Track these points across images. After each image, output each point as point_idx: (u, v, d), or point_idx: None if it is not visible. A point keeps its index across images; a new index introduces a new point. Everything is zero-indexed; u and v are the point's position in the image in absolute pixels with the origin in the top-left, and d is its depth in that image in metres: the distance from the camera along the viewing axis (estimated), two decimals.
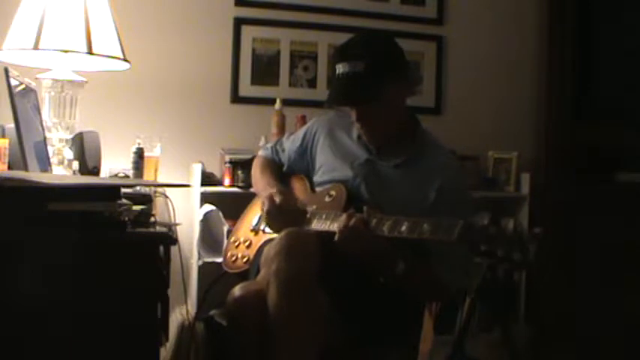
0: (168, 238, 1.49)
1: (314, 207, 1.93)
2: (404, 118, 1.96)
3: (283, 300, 1.65)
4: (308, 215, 1.91)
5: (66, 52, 2.13)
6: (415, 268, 1.74)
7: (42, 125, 2.05)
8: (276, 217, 1.93)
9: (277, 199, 1.92)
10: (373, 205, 1.78)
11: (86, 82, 2.27)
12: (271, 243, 1.81)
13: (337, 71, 1.88)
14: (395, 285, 1.76)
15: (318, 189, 2.03)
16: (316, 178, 2.06)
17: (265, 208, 1.95)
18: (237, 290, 1.79)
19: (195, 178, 2.86)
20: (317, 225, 1.86)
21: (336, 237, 1.71)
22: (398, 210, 1.74)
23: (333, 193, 1.94)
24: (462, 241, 1.53)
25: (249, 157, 2.81)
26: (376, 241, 1.68)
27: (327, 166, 2.04)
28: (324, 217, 1.85)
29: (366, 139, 1.96)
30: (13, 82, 1.75)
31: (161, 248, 1.53)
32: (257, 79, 3.19)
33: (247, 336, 1.74)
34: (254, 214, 2.11)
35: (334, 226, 1.75)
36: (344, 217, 1.72)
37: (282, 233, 1.76)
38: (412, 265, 1.73)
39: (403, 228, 1.63)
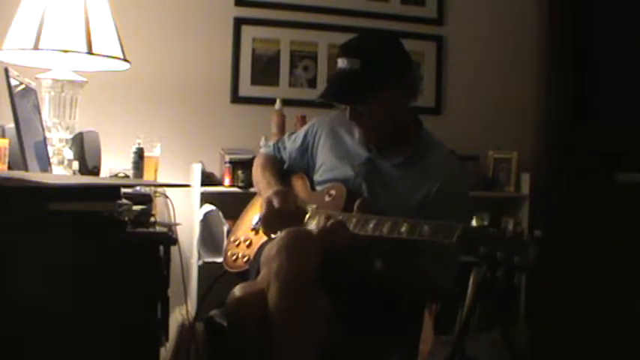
0: (169, 238, 1.49)
1: (314, 206, 1.93)
2: (404, 119, 1.94)
3: (284, 300, 1.65)
4: (307, 215, 1.91)
5: (66, 52, 2.13)
6: (396, 265, 1.75)
7: (42, 125, 2.05)
8: (273, 222, 1.91)
9: (276, 204, 1.91)
10: (369, 203, 1.79)
11: (86, 82, 2.27)
12: (271, 242, 1.81)
13: (337, 65, 1.88)
14: (377, 282, 1.77)
15: (318, 188, 2.02)
16: (316, 177, 2.05)
17: (263, 213, 1.93)
18: (237, 291, 1.78)
19: (195, 178, 2.86)
20: (311, 225, 1.87)
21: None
22: (398, 209, 1.76)
23: (333, 192, 1.93)
24: (462, 244, 1.53)
25: (249, 157, 2.81)
26: (353, 240, 1.72)
27: (327, 165, 2.03)
28: (318, 217, 1.86)
29: (361, 137, 1.95)
30: (13, 82, 1.75)
31: (161, 248, 1.53)
32: (257, 79, 3.19)
33: (247, 336, 1.73)
34: (254, 213, 2.10)
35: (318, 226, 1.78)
36: (323, 218, 1.77)
37: (283, 232, 1.76)
38: (392, 263, 1.74)
39: (403, 229, 1.63)
